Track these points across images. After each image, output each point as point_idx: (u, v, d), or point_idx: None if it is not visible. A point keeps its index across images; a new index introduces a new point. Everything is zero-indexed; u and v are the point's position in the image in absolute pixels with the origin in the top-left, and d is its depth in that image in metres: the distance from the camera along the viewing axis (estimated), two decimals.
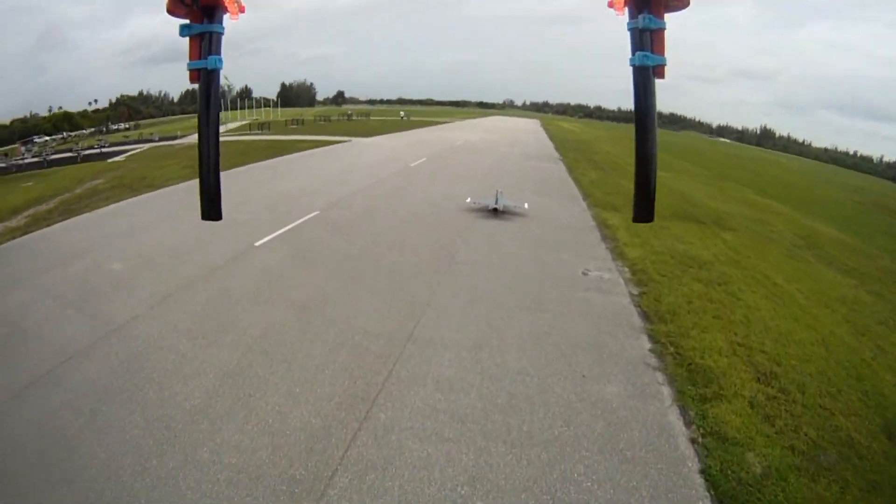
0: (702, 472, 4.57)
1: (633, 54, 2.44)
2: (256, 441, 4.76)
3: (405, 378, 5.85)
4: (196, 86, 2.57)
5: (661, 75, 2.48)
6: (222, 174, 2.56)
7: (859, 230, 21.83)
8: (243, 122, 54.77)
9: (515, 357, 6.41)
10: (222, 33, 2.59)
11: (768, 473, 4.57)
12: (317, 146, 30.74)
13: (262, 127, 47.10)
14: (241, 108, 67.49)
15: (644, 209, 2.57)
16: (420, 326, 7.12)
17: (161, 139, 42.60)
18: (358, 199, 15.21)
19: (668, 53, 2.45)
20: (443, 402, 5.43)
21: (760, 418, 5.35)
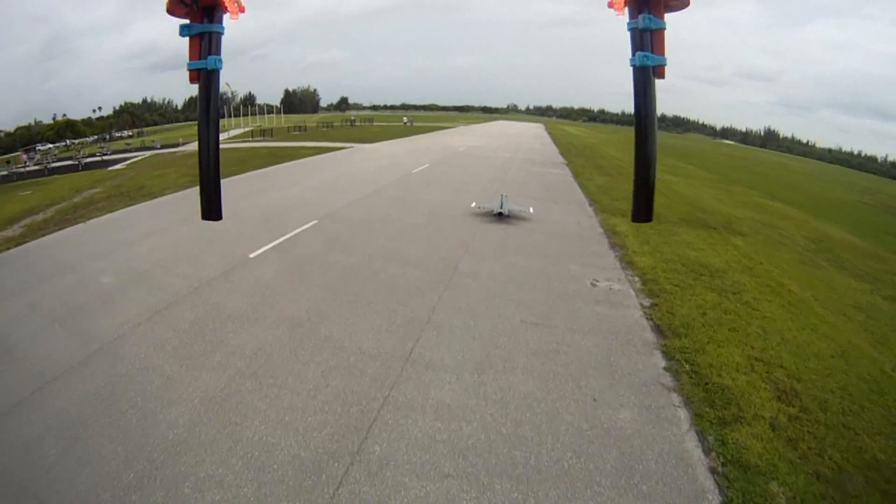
0: None
1: (634, 54, 2.45)
2: (241, 476, 4.40)
3: (402, 404, 5.46)
4: (196, 86, 2.61)
5: (662, 75, 2.48)
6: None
7: (869, 232, 21.36)
8: (246, 129, 54.81)
9: (521, 379, 6.01)
10: (222, 33, 2.61)
11: None
12: (318, 153, 30.55)
13: (265, 133, 47.17)
14: (244, 115, 67.64)
15: (643, 208, 2.61)
16: (419, 346, 6.73)
17: (163, 146, 42.70)
18: (357, 208, 14.86)
19: (669, 54, 2.46)
20: (443, 431, 5.04)
21: (783, 442, 5.04)
